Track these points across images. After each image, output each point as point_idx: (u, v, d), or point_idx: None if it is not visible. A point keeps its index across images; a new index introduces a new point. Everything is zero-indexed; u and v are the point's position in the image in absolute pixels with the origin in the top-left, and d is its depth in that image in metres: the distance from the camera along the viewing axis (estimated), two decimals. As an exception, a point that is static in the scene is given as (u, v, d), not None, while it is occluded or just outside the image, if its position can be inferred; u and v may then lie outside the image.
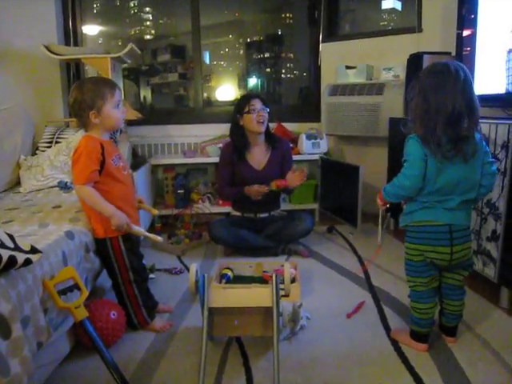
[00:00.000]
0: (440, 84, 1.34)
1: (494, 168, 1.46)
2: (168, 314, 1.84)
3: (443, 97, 1.33)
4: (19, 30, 3.03)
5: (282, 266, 1.61)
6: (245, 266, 2.10)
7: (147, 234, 1.64)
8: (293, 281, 1.93)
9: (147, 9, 4.18)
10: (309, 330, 1.69)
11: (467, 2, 2.24)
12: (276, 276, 1.42)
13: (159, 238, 1.63)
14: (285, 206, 2.93)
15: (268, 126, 2.52)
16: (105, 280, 1.77)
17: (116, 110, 1.58)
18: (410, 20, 3.04)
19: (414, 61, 2.50)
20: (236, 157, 2.51)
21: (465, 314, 1.59)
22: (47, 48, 2.81)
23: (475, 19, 2.19)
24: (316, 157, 3.19)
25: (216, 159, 2.89)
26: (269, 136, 2.57)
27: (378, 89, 2.90)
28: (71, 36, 3.29)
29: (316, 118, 3.46)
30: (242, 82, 4.08)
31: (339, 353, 1.54)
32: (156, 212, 1.84)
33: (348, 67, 3.17)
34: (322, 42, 3.47)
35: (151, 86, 4.08)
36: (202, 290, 1.41)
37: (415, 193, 1.44)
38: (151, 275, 2.16)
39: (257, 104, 2.42)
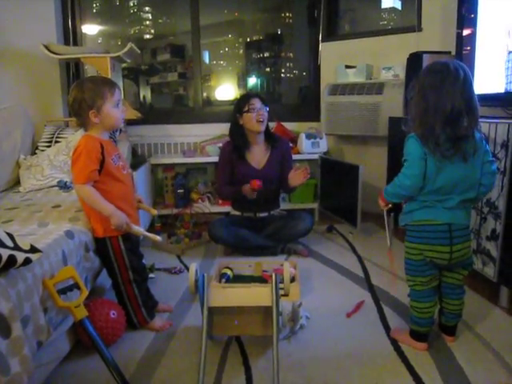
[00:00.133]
0: (439, 83, 1.34)
1: (494, 167, 1.46)
2: (168, 313, 1.84)
3: (442, 96, 1.33)
4: (19, 30, 3.03)
5: (282, 265, 1.61)
6: (244, 265, 2.10)
7: (147, 233, 1.63)
8: (292, 280, 1.94)
9: (147, 8, 4.18)
10: (308, 329, 1.69)
11: (467, 2, 2.23)
12: (276, 275, 1.42)
13: (158, 238, 1.62)
14: (284, 206, 2.93)
15: (268, 125, 2.52)
16: (104, 279, 1.77)
17: (116, 109, 1.58)
18: (409, 19, 3.04)
19: (414, 60, 2.50)
20: (235, 156, 2.51)
21: (464, 313, 1.59)
22: (47, 47, 2.81)
23: (475, 18, 2.19)
24: (316, 156, 3.19)
25: (215, 159, 2.89)
26: (268, 135, 2.57)
27: (377, 88, 2.90)
28: (71, 35, 3.29)
29: (316, 117, 3.46)
30: (242, 81, 4.08)
31: (339, 352, 1.54)
32: (155, 212, 1.84)
33: (348, 67, 3.17)
34: (322, 41, 3.47)
35: (151, 85, 4.08)
36: (201, 289, 1.41)
37: (416, 192, 1.44)
38: (151, 275, 2.16)
39: (256, 103, 2.42)
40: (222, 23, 4.11)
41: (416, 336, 1.55)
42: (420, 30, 2.95)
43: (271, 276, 1.43)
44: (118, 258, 1.62)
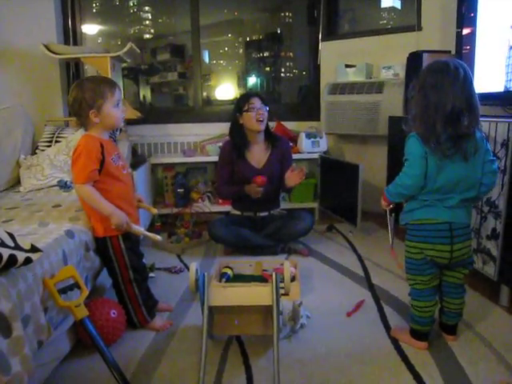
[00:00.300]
0: (439, 82, 1.34)
1: (495, 166, 1.46)
2: (168, 312, 1.84)
3: (442, 95, 1.33)
4: (19, 30, 3.03)
5: (282, 264, 1.60)
6: (245, 264, 2.10)
7: (147, 233, 1.63)
8: (293, 279, 1.94)
9: (146, 8, 4.18)
10: (309, 328, 1.69)
11: (467, 1, 2.23)
12: (276, 275, 1.42)
13: (158, 237, 1.62)
14: (285, 205, 2.93)
15: (268, 124, 2.53)
16: (105, 279, 1.77)
17: (116, 109, 1.58)
18: (409, 18, 3.04)
19: (414, 59, 2.50)
20: (235, 155, 2.51)
21: (465, 312, 1.59)
22: (47, 47, 2.81)
23: (475, 17, 2.19)
24: (316, 155, 3.19)
25: (215, 158, 2.89)
26: (268, 135, 2.57)
27: (377, 87, 2.90)
28: (70, 35, 3.29)
29: (316, 116, 3.46)
30: (242, 80, 4.08)
31: (339, 351, 1.54)
32: (155, 211, 1.84)
33: (347, 66, 3.17)
34: (322, 40, 3.47)
35: (151, 85, 4.09)
36: (201, 288, 1.41)
37: (417, 191, 1.43)
38: (151, 274, 2.16)
39: (256, 102, 2.42)
40: (222, 23, 4.11)
41: (416, 335, 1.55)
42: (420, 29, 2.95)
43: (271, 275, 1.43)
44: (118, 258, 1.62)
